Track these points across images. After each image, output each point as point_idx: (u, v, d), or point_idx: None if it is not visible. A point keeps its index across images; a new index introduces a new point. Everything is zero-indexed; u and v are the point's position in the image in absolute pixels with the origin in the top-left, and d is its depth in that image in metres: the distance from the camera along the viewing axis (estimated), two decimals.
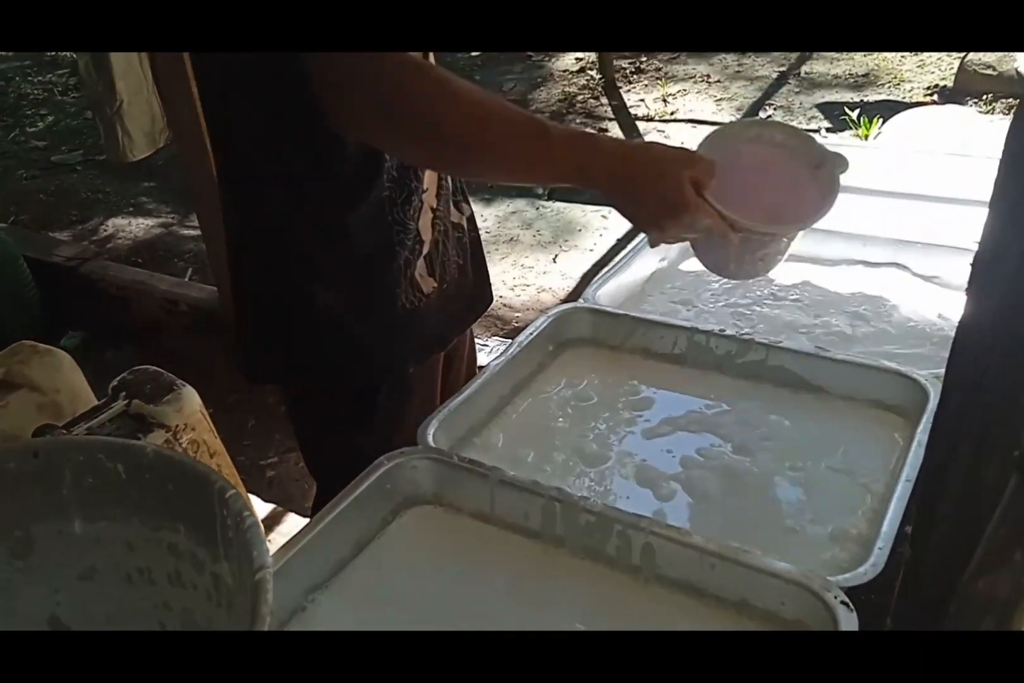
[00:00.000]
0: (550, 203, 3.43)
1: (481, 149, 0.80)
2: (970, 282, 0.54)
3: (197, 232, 2.86)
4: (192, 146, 2.12)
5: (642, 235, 1.30)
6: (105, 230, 3.47)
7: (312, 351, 0.99)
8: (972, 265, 0.54)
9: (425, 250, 1.01)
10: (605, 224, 3.25)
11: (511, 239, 3.20)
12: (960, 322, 0.55)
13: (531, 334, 1.08)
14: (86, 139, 4.23)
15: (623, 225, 3.24)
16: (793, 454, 0.93)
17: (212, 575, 0.49)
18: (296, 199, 0.92)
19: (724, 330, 1.07)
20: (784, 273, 1.27)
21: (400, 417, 1.03)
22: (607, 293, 1.18)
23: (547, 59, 5.01)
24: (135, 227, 3.48)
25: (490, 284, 1.17)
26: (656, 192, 0.80)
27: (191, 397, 1.39)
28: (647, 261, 1.29)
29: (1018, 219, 0.50)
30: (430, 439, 0.90)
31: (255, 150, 0.90)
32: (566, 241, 3.18)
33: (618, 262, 1.24)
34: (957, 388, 0.56)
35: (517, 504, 0.83)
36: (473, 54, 5.15)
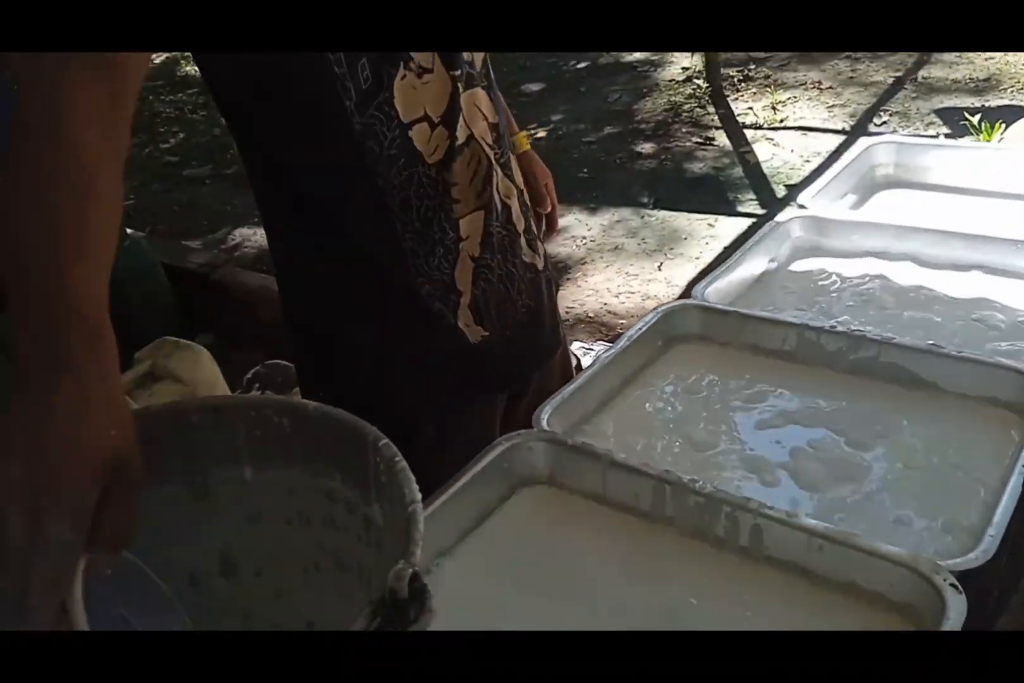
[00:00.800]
0: (655, 211, 3.46)
1: None
2: None
3: None
4: None
5: (753, 237, 1.32)
6: (233, 239, 3.68)
7: (349, 385, 1.02)
8: None
9: (465, 300, 1.00)
10: (711, 232, 3.26)
11: (616, 247, 3.23)
12: None
13: (640, 329, 1.12)
14: (214, 155, 4.48)
15: (730, 233, 3.23)
16: (906, 449, 0.94)
17: (363, 517, 0.55)
18: (321, 244, 0.98)
19: (835, 326, 1.08)
20: (900, 273, 1.27)
21: (442, 450, 1.01)
22: (716, 291, 1.20)
23: (653, 69, 5.03)
24: (260, 237, 3.68)
25: (559, 329, 1.20)
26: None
27: None
28: (757, 262, 1.31)
29: None
30: (544, 423, 0.94)
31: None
32: (671, 249, 3.19)
33: (728, 262, 1.26)
34: None
35: (628, 485, 0.87)
36: (579, 66, 5.22)
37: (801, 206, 1.39)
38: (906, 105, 4.20)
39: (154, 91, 5.61)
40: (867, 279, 1.27)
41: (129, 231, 2.78)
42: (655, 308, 1.17)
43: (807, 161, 3.76)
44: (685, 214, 3.40)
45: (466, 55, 0.94)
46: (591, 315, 2.85)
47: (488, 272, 1.02)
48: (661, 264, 3.10)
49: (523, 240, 1.07)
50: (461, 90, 0.92)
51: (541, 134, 4.36)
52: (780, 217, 1.38)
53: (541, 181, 1.33)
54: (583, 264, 3.13)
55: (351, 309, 1.00)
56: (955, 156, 1.55)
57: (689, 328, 1.16)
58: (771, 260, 1.33)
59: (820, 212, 1.37)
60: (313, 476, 0.58)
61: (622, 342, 1.10)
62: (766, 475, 0.92)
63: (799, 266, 1.33)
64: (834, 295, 1.24)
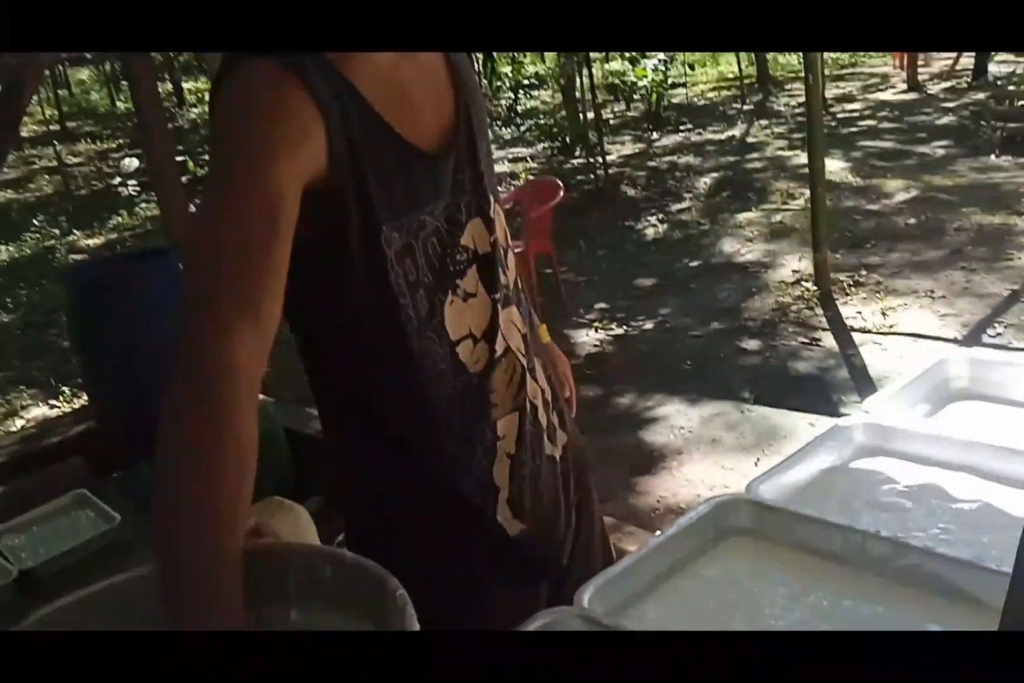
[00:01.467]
0: (755, 407, 3.51)
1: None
2: None
3: None
4: None
5: (815, 439, 1.39)
6: None
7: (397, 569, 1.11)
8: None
9: (504, 496, 1.09)
10: (812, 432, 3.25)
11: (712, 440, 3.28)
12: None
13: (691, 518, 1.18)
14: None
15: None
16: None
17: None
18: (369, 443, 1.08)
19: (879, 531, 1.12)
20: (958, 485, 1.30)
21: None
22: (772, 487, 1.26)
23: (763, 270, 5.25)
24: None
25: (575, 515, 1.24)
26: None
27: None
28: (816, 462, 1.36)
29: None
30: (585, 602, 1.00)
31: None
32: (770, 445, 3.21)
33: (787, 459, 1.33)
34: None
35: None
36: (692, 263, 5.50)
37: (866, 411, 1.45)
38: (1022, 318, 4.21)
39: None
40: (923, 489, 1.30)
41: (261, 397, 3.04)
42: (707, 498, 1.24)
43: (916, 368, 3.77)
44: (786, 412, 3.44)
45: (503, 278, 1.07)
46: (683, 505, 2.86)
47: (522, 468, 1.10)
48: (758, 460, 3.12)
49: (546, 434, 1.17)
50: (499, 309, 1.06)
51: (648, 326, 4.57)
52: (842, 421, 1.44)
53: (560, 369, 1.42)
54: (679, 454, 3.18)
55: (396, 505, 1.10)
56: None
57: (740, 522, 1.21)
58: (831, 461, 1.38)
59: (883, 418, 1.43)
60: (345, 621, 0.67)
61: (672, 529, 1.16)
62: None
63: (857, 467, 1.38)
64: (888, 501, 1.28)
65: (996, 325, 4.13)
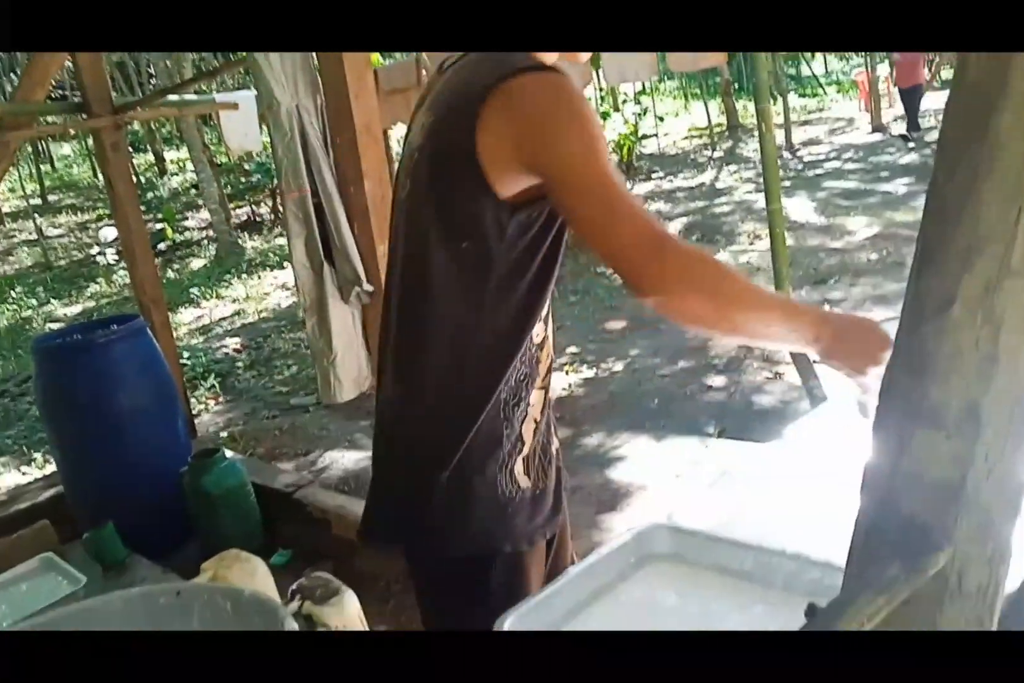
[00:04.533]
0: (717, 441, 3.58)
1: (748, 327, 1.07)
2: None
3: None
4: None
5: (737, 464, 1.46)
6: (323, 462, 3.98)
7: (432, 519, 1.20)
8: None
9: (524, 452, 1.24)
10: None
11: (676, 475, 3.33)
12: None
13: (614, 547, 1.24)
14: None
15: None
16: None
17: None
18: (449, 390, 1.19)
19: (785, 550, 1.18)
20: None
21: (514, 594, 1.21)
22: (692, 513, 1.33)
23: None
24: (347, 459, 3.96)
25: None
26: (863, 353, 1.09)
27: (352, 602, 1.62)
28: (737, 489, 1.43)
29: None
30: (506, 629, 1.06)
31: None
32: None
33: (711, 484, 1.39)
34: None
35: None
36: None
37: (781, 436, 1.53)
38: None
39: (276, 329, 6.31)
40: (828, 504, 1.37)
41: (228, 454, 3.09)
42: (630, 529, 1.30)
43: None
44: (749, 444, 3.50)
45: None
46: None
47: (539, 434, 1.27)
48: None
49: (552, 426, 1.34)
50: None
51: (618, 368, 4.65)
52: (766, 446, 1.51)
53: None
54: (643, 490, 3.23)
55: (447, 449, 1.18)
56: None
57: (660, 547, 1.27)
58: (749, 485, 1.45)
59: (800, 442, 1.51)
60: None
61: (592, 558, 1.22)
62: None
63: (777, 489, 1.44)
64: (801, 519, 1.34)
65: None
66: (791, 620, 1.12)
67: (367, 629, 1.68)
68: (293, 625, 0.67)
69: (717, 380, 4.28)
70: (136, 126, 15.77)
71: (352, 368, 2.55)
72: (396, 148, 6.70)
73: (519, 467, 1.24)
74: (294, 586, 1.77)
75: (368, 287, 2.38)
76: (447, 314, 1.15)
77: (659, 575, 1.24)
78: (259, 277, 8.13)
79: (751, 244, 6.74)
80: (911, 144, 10.43)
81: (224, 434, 4.41)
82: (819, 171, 9.69)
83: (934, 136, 10.06)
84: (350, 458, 3.96)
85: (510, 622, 1.08)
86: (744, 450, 3.45)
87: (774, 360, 4.44)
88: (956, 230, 0.65)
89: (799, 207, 7.72)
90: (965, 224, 0.64)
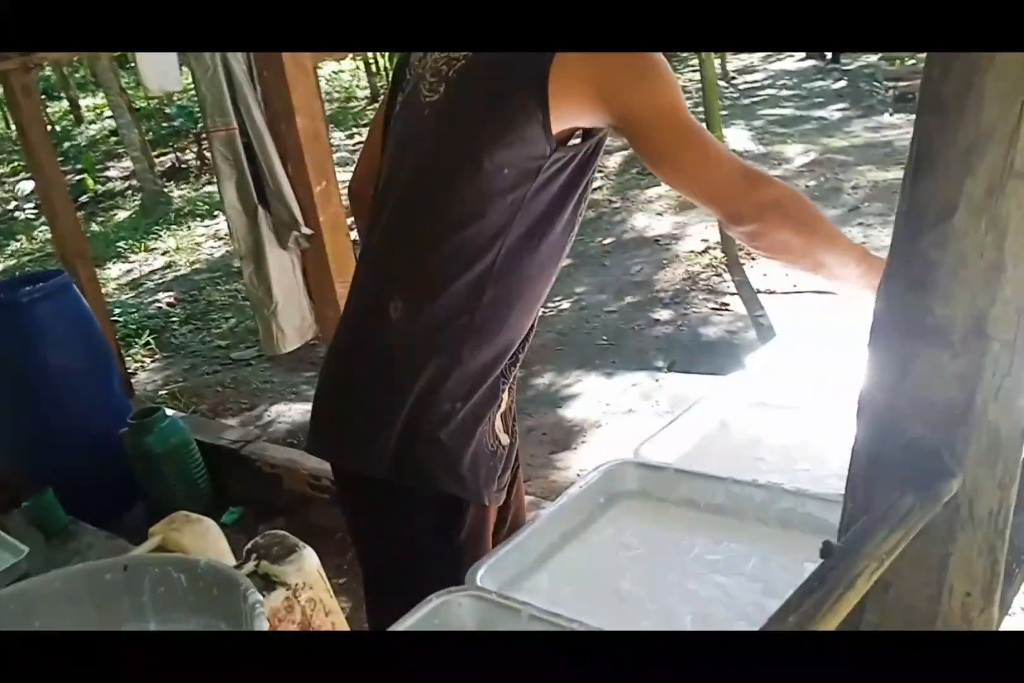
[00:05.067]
0: (669, 375, 3.58)
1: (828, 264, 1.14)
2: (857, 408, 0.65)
3: None
4: None
5: (698, 397, 1.42)
6: (268, 415, 3.88)
7: (424, 452, 1.17)
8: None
9: (503, 408, 1.23)
10: None
11: (629, 411, 3.33)
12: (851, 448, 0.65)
13: (581, 487, 1.20)
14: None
15: None
16: None
17: None
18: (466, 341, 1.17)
19: (756, 480, 1.16)
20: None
21: (477, 541, 1.21)
22: (657, 447, 1.29)
23: (673, 242, 5.33)
24: (294, 412, 3.88)
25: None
26: None
27: (310, 558, 1.56)
28: (699, 418, 1.40)
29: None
30: (478, 580, 1.02)
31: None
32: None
33: (670, 421, 1.36)
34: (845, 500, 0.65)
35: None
36: (605, 241, 5.56)
37: (743, 367, 1.50)
38: None
39: (211, 281, 6.11)
40: (795, 431, 1.35)
41: (169, 412, 2.99)
42: (595, 467, 1.26)
43: (818, 323, 3.88)
44: (698, 377, 3.51)
45: None
46: None
47: (512, 393, 1.28)
48: None
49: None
50: None
51: (565, 305, 4.61)
52: (724, 378, 1.48)
53: None
54: (598, 427, 3.23)
55: (459, 391, 1.17)
56: None
57: (628, 485, 1.24)
58: (714, 417, 1.42)
59: (760, 372, 1.48)
60: (202, 625, 0.67)
61: (562, 500, 1.18)
62: (672, 622, 0.97)
63: (739, 420, 1.42)
64: (766, 448, 1.32)
65: None
66: (768, 553, 1.11)
67: (327, 584, 1.64)
68: (257, 597, 0.61)
69: (664, 314, 4.27)
70: (48, 71, 14.89)
71: (294, 317, 2.45)
72: (324, 86, 6.42)
73: (499, 423, 1.23)
74: (248, 545, 1.71)
75: (306, 230, 2.27)
76: (467, 252, 1.13)
77: (629, 513, 1.21)
78: (189, 227, 7.84)
79: None
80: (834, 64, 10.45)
81: (163, 392, 4.28)
82: (755, 99, 9.62)
83: (861, 62, 10.07)
84: (297, 410, 3.88)
85: (484, 570, 1.03)
86: (696, 382, 3.46)
87: (719, 291, 4.45)
88: (954, 130, 0.59)
89: (737, 136, 7.66)
90: (964, 123, 0.59)
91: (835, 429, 1.34)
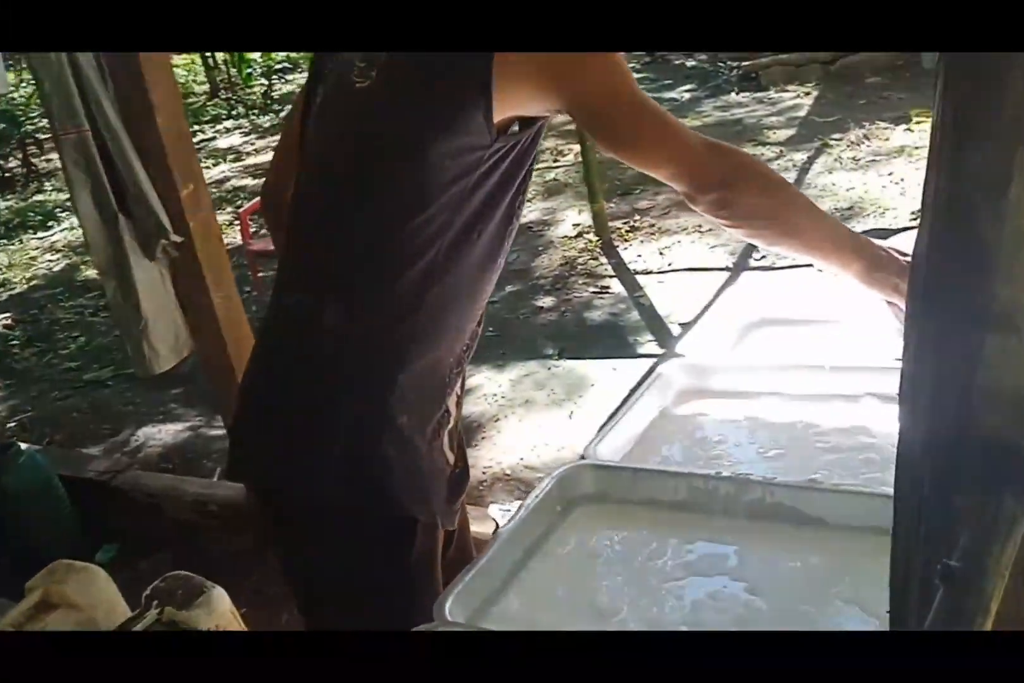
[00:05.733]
0: (561, 362, 3.55)
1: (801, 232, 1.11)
2: (900, 388, 0.59)
3: (223, 431, 2.97)
4: (214, 348, 2.27)
5: (640, 389, 1.37)
6: (136, 440, 3.60)
7: (382, 473, 1.06)
8: (901, 371, 0.58)
9: (450, 425, 1.14)
10: (616, 377, 3.34)
11: (526, 401, 3.28)
12: (899, 435, 0.59)
13: (537, 497, 1.12)
14: (116, 355, 4.44)
15: (634, 375, 3.32)
16: (802, 589, 0.95)
17: None
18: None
19: (720, 472, 1.11)
20: (775, 410, 1.32)
21: (428, 566, 1.11)
22: (608, 447, 1.23)
23: (546, 228, 5.31)
24: (164, 434, 3.61)
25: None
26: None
27: (221, 598, 1.42)
28: (644, 412, 1.34)
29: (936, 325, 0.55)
30: (447, 614, 0.92)
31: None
32: (580, 397, 3.26)
33: (616, 416, 1.30)
34: (903, 514, 0.59)
35: None
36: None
37: (680, 355, 1.46)
38: None
39: (52, 298, 5.64)
40: (745, 419, 1.32)
41: (23, 446, 2.70)
42: (550, 473, 1.18)
43: (696, 300, 3.95)
44: (590, 361, 3.50)
45: None
46: (508, 472, 2.84)
47: (460, 409, 1.20)
48: (572, 413, 3.15)
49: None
50: None
51: None
52: (661, 368, 1.44)
53: None
54: (496, 421, 3.16)
55: (400, 395, 1.06)
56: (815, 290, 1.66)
57: (585, 489, 1.17)
58: (658, 409, 1.37)
59: (698, 359, 1.44)
60: None
61: (521, 513, 1.10)
62: None
63: (684, 411, 1.37)
64: (719, 439, 1.28)
65: (758, 249, 4.42)
66: (743, 548, 1.07)
67: (240, 623, 1.49)
68: None
69: (547, 301, 4.24)
70: None
71: (168, 334, 2.24)
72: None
73: (446, 440, 1.13)
74: (148, 591, 1.54)
75: (175, 238, 2.07)
76: (408, 249, 1.04)
77: (589, 518, 1.14)
78: (21, 241, 7.22)
79: (555, 161, 6.70)
80: None
81: (12, 424, 3.90)
82: None
83: None
84: (168, 432, 3.60)
85: (450, 602, 0.94)
86: (590, 368, 3.44)
87: (597, 274, 4.46)
88: (999, 98, 0.54)
89: None
90: (1010, 89, 0.54)
91: (776, 411, 1.33)
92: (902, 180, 4.88)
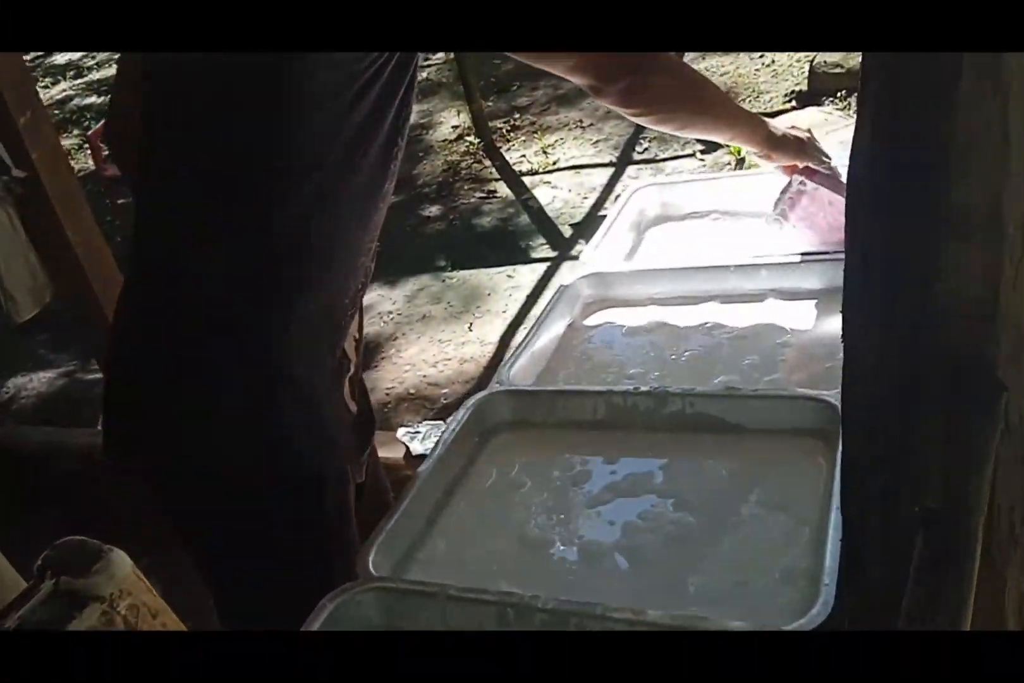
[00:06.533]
0: (455, 273, 3.46)
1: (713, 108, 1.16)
2: (845, 301, 0.54)
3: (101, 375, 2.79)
4: (78, 289, 2.09)
5: (541, 309, 1.31)
6: (7, 392, 3.36)
7: (282, 430, 0.99)
8: (844, 282, 0.54)
9: (351, 372, 1.06)
10: (512, 283, 3.29)
11: (423, 316, 3.20)
12: (844, 350, 0.55)
13: (453, 429, 1.07)
14: None
15: (529, 281, 3.27)
16: (729, 499, 0.94)
17: None
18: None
19: (638, 388, 1.08)
20: (683, 314, 1.29)
21: (344, 518, 1.05)
22: (521, 370, 1.18)
23: (424, 132, 5.10)
24: (36, 383, 3.38)
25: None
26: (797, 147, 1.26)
27: (122, 561, 1.32)
28: (553, 328, 1.29)
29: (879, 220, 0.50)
30: (371, 567, 0.87)
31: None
32: (478, 307, 3.20)
33: (524, 339, 1.24)
34: (855, 431, 0.56)
35: (470, 617, 0.80)
36: None
37: (574, 257, 1.40)
38: (659, 130, 4.44)
39: None
40: (655, 326, 1.28)
41: None
42: (463, 402, 1.12)
43: (584, 198, 3.89)
44: (484, 270, 3.42)
45: None
46: (412, 391, 2.79)
47: (360, 355, 1.11)
48: (471, 324, 3.09)
49: None
50: None
51: None
52: (566, 280, 1.38)
53: None
54: (394, 340, 3.08)
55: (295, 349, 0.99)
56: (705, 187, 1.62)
57: (501, 417, 1.12)
58: (566, 324, 1.32)
59: (601, 267, 1.39)
60: None
61: (438, 449, 1.04)
62: (604, 562, 0.88)
63: (592, 322, 1.33)
64: (628, 350, 1.24)
65: (642, 141, 4.35)
66: (668, 462, 1.04)
67: (146, 583, 1.41)
68: None
69: (433, 210, 4.10)
70: None
71: (24, 278, 2.04)
72: None
73: (346, 389, 1.05)
74: (40, 561, 1.44)
75: (18, 173, 1.85)
76: (285, 179, 0.93)
77: (510, 447, 1.10)
78: None
79: (426, 59, 6.38)
80: None
81: None
82: None
83: None
84: (41, 380, 3.38)
85: (373, 553, 0.89)
86: (484, 277, 3.37)
87: (483, 178, 4.33)
88: None
89: None
90: None
91: (686, 315, 1.30)
92: (773, 61, 4.85)
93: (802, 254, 1.30)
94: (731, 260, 1.33)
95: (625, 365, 1.21)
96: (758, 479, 0.96)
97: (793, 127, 1.29)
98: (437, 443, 1.04)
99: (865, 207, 0.52)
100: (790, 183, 1.29)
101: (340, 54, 0.89)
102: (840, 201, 1.22)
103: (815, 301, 1.26)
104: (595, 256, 1.41)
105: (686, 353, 1.21)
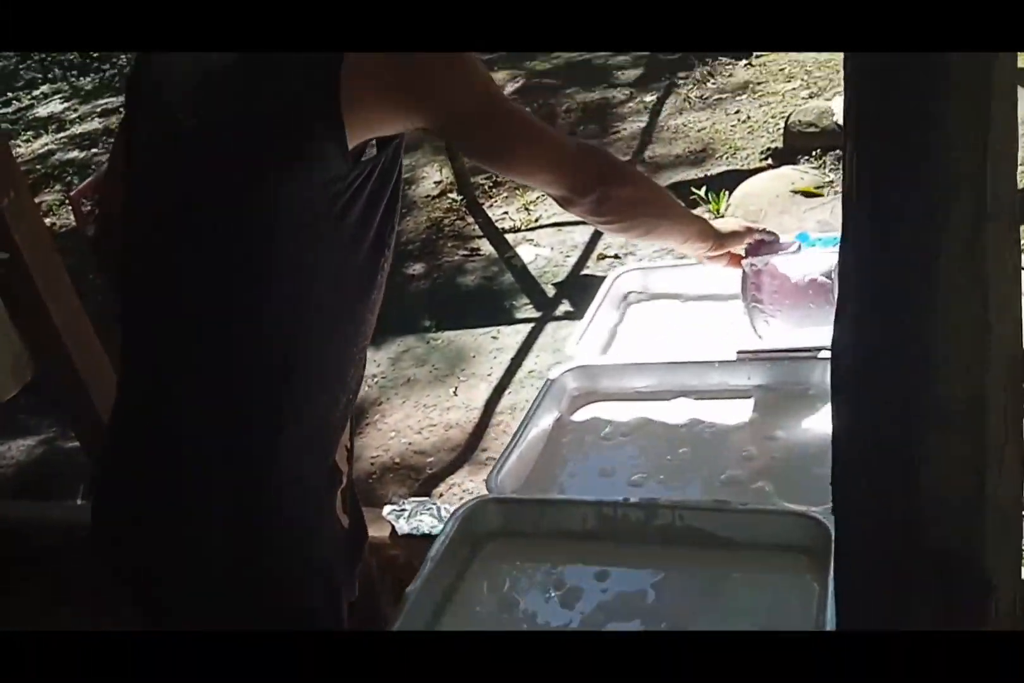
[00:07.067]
0: (439, 334, 3.46)
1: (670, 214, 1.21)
2: (834, 392, 0.55)
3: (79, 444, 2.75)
4: (58, 366, 2.07)
5: (534, 401, 1.31)
6: None
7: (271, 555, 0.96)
8: (832, 374, 0.54)
9: (343, 484, 1.04)
10: (497, 345, 3.29)
11: (408, 380, 3.19)
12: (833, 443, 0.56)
13: (443, 541, 1.06)
14: None
15: (513, 342, 3.28)
16: (720, 618, 0.94)
17: None
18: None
19: (628, 498, 1.08)
20: (670, 410, 1.30)
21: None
22: (510, 473, 1.17)
23: (407, 187, 5.14)
24: (15, 451, 3.33)
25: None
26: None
27: None
28: (539, 425, 1.29)
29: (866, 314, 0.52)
30: None
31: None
32: (463, 370, 3.19)
33: (512, 439, 1.24)
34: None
35: None
36: None
37: (570, 356, 1.41)
38: None
39: None
40: (641, 423, 1.29)
41: None
42: (452, 513, 1.12)
43: (567, 256, 3.92)
44: (468, 331, 3.42)
45: None
46: (397, 460, 2.77)
47: (349, 465, 1.08)
48: (456, 389, 3.09)
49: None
50: None
51: None
52: (552, 373, 1.38)
53: None
54: (379, 405, 3.06)
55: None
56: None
57: (491, 525, 1.12)
58: (554, 418, 1.33)
59: (587, 360, 1.40)
60: None
61: (427, 565, 1.03)
62: None
63: (579, 417, 1.33)
64: (615, 450, 1.25)
65: None
66: (662, 579, 1.04)
67: None
68: None
69: (417, 267, 4.11)
70: None
71: (5, 358, 2.03)
72: None
73: (339, 503, 1.02)
74: None
75: (1, 254, 1.85)
76: (275, 299, 0.93)
77: (499, 558, 1.09)
78: None
79: None
80: None
81: None
82: None
83: None
84: (18, 448, 3.33)
85: None
86: (468, 338, 3.37)
87: (466, 235, 4.36)
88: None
89: None
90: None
91: (671, 410, 1.31)
92: (749, 117, 4.95)
93: (787, 350, 1.31)
94: (715, 356, 1.34)
95: (616, 469, 1.21)
96: (748, 597, 0.96)
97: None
98: (426, 560, 1.04)
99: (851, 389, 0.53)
100: (744, 271, 1.31)
101: (319, 178, 0.89)
102: (793, 259, 1.30)
103: (799, 397, 1.27)
104: (580, 349, 1.42)
105: (672, 452, 1.22)
